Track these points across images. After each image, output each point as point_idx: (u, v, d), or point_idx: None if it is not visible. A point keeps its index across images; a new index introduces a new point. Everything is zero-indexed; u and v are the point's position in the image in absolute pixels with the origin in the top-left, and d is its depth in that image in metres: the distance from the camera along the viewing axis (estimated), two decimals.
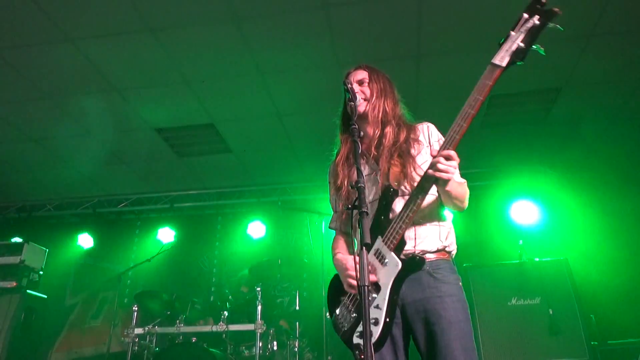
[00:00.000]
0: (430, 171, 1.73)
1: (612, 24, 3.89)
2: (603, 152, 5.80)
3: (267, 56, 4.22)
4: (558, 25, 1.71)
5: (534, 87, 4.69)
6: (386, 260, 1.80)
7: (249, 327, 4.43)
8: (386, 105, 2.10)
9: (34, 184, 6.55)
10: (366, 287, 1.44)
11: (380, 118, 2.08)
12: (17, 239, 5.68)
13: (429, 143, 2.08)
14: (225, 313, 4.52)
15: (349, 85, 1.98)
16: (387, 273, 1.79)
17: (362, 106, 2.08)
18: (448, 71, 4.41)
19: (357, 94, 2.02)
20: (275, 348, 4.73)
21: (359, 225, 1.60)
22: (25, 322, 5.14)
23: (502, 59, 1.74)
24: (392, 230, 1.81)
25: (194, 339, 4.42)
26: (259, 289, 4.50)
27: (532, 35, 1.72)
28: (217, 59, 4.23)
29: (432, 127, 2.15)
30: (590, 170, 5.93)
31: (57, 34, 3.87)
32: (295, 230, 6.59)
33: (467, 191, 1.97)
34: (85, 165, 6.09)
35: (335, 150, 2.24)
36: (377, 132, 2.07)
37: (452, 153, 1.72)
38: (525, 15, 1.74)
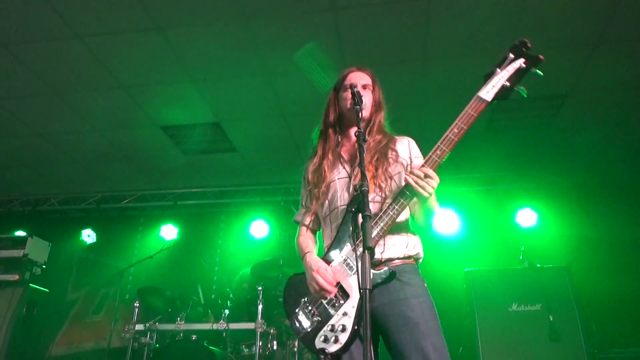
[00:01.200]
0: (412, 182, 1.77)
1: (620, 31, 3.89)
2: (607, 160, 5.79)
3: (274, 56, 4.24)
4: (540, 72, 1.81)
5: (540, 93, 4.68)
6: (354, 269, 1.83)
7: (250, 326, 4.44)
8: (381, 116, 2.17)
9: (38, 179, 6.59)
10: (367, 291, 1.45)
11: (376, 128, 2.13)
12: (20, 233, 5.71)
13: (410, 157, 2.12)
14: (226, 311, 4.52)
15: (357, 89, 1.99)
16: (356, 282, 1.81)
17: (364, 112, 2.09)
18: (454, 75, 4.42)
19: (363, 100, 2.02)
20: (275, 347, 4.73)
21: (355, 228, 1.63)
22: (27, 316, 5.17)
23: (487, 93, 1.83)
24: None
25: (194, 337, 4.43)
26: (260, 288, 4.50)
27: (517, 77, 1.81)
28: (224, 58, 4.25)
29: (412, 142, 2.19)
30: (593, 177, 5.92)
31: (65, 30, 3.89)
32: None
33: (435, 211, 2.01)
34: (90, 161, 6.12)
35: (314, 144, 2.26)
36: (369, 138, 2.10)
37: (431, 172, 1.78)
38: (511, 55, 1.83)
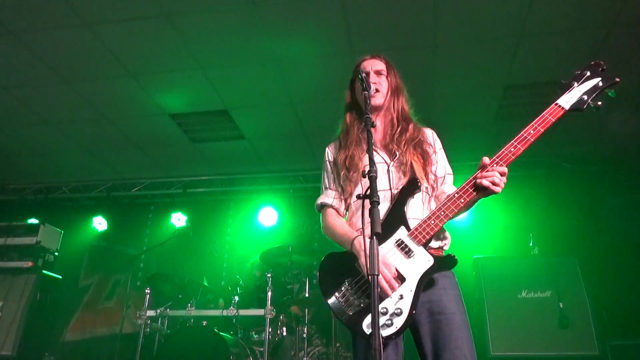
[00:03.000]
0: (486, 183, 1.79)
1: (635, 14, 3.80)
2: (620, 147, 5.70)
3: (282, 43, 4.21)
4: (613, 94, 1.98)
5: (552, 78, 4.61)
6: (414, 254, 1.84)
7: (259, 312, 4.47)
8: (403, 102, 2.16)
9: (50, 167, 6.65)
10: (376, 277, 1.45)
11: (397, 114, 2.12)
12: (33, 221, 5.78)
13: (434, 150, 2.14)
14: (236, 298, 4.56)
15: (363, 74, 1.97)
16: (414, 266, 1.82)
17: (378, 98, 2.09)
18: (463, 62, 4.36)
19: (371, 84, 2.00)
20: (284, 334, 4.77)
21: (370, 214, 1.60)
22: (40, 302, 5.25)
23: (566, 102, 1.93)
24: (425, 225, 1.84)
25: (204, 323, 4.48)
26: (269, 274, 4.53)
27: (594, 93, 1.94)
28: (232, 45, 4.23)
29: (435, 134, 2.22)
30: (606, 165, 5.84)
31: (74, 18, 3.89)
32: (307, 217, 6.62)
33: None
34: (100, 149, 6.17)
35: (338, 133, 2.24)
36: (395, 126, 2.10)
37: (506, 170, 1.83)
38: (588, 73, 1.98)
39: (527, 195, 5.85)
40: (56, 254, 5.76)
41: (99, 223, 6.95)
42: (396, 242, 1.87)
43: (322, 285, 1.94)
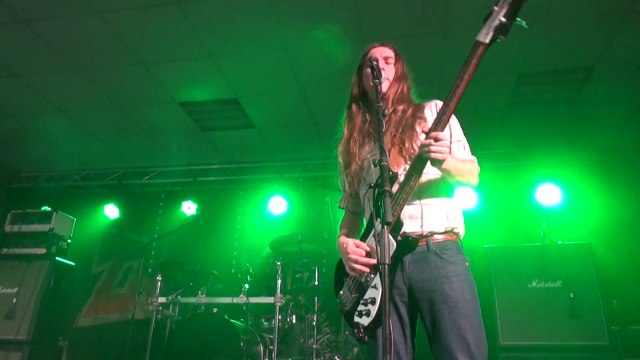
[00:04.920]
0: (422, 153, 1.74)
1: None
2: (633, 136, 5.62)
3: (293, 31, 4.18)
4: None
5: (566, 65, 4.54)
6: (382, 243, 1.82)
7: (269, 300, 4.52)
8: (403, 87, 2.11)
9: (61, 155, 6.72)
10: (386, 265, 1.45)
11: (396, 98, 2.07)
12: (46, 208, 5.85)
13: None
14: (246, 286, 4.60)
15: (375, 63, 1.95)
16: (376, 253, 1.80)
17: (384, 85, 2.05)
18: None
19: (381, 72, 1.98)
20: (294, 321, 4.82)
21: (374, 204, 1.62)
22: (54, 288, 5.33)
23: (485, 35, 1.73)
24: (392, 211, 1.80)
25: (215, 310, 4.53)
26: (279, 263, 4.56)
27: (514, 9, 1.69)
28: (243, 33, 4.21)
29: (440, 103, 2.09)
30: (618, 153, 5.76)
31: (85, 6, 3.89)
32: (316, 206, 6.64)
33: (474, 168, 1.97)
34: (110, 137, 6.21)
35: (342, 127, 2.22)
36: (389, 111, 2.06)
37: (441, 134, 1.73)
38: None
39: (540, 182, 5.80)
40: (69, 241, 5.84)
41: (111, 211, 7.02)
42: (373, 234, 1.88)
43: (334, 287, 2.07)
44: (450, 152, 1.81)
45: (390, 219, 1.46)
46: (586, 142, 5.81)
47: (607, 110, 5.22)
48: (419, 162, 1.79)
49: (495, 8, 1.73)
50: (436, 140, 1.71)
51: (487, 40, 1.72)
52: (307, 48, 4.37)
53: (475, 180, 1.97)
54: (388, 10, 3.92)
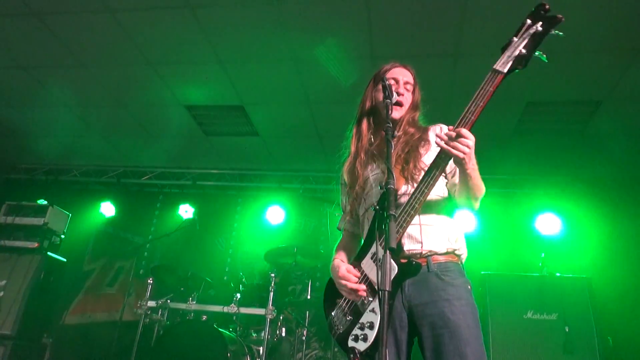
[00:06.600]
0: (443, 144, 1.67)
1: None
2: (636, 171, 5.60)
3: (304, 42, 4.18)
4: (560, 32, 1.68)
5: (574, 97, 4.54)
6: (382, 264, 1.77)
7: (260, 311, 4.45)
8: (417, 115, 2.10)
9: (62, 149, 6.68)
10: (386, 292, 1.41)
11: (406, 124, 2.05)
12: (42, 201, 5.79)
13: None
14: (238, 295, 4.54)
15: (390, 82, 1.93)
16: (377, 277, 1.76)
17: (399, 112, 2.03)
18: (485, 76, 4.29)
19: (394, 94, 1.95)
20: (283, 334, 4.74)
21: (378, 228, 1.57)
22: (43, 283, 5.25)
23: (503, 65, 1.73)
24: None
25: (204, 317, 4.46)
26: (273, 275, 4.50)
27: (535, 42, 1.70)
28: (253, 41, 4.20)
29: (445, 127, 2.04)
30: (620, 188, 5.73)
31: (97, 3, 3.89)
32: (314, 219, 6.58)
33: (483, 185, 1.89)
34: (113, 135, 6.18)
35: (347, 143, 2.18)
36: (398, 133, 2.02)
37: (467, 132, 1.67)
38: (529, 21, 1.72)
39: (540, 212, 5.76)
40: (62, 236, 5.77)
41: (107, 209, 6.95)
42: (372, 256, 1.84)
43: (324, 307, 2.02)
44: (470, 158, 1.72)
45: (394, 244, 1.42)
46: (589, 174, 5.78)
47: (612, 144, 5.20)
48: (437, 165, 1.72)
49: (515, 39, 1.73)
50: (458, 136, 1.66)
51: (505, 70, 1.72)
52: (317, 61, 4.36)
53: (480, 195, 1.88)
54: (401, 28, 3.92)
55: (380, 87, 2.04)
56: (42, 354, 5.45)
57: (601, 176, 5.73)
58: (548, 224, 5.70)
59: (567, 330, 4.20)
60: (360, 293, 1.80)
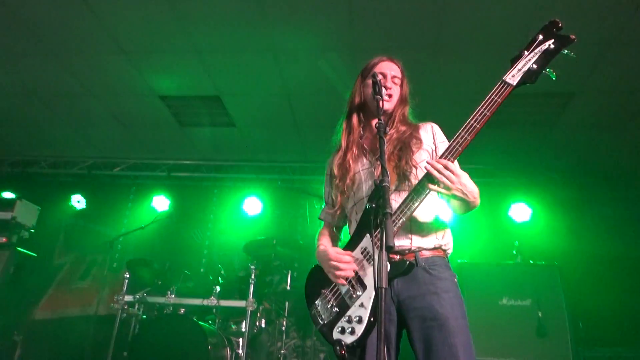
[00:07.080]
0: (435, 173, 1.68)
1: (638, 33, 3.82)
2: (605, 163, 5.79)
3: (283, 34, 4.12)
4: (572, 53, 1.74)
5: (548, 89, 4.63)
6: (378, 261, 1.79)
7: (240, 304, 4.43)
8: (406, 109, 2.12)
9: (29, 140, 6.44)
10: (383, 290, 1.42)
11: (397, 119, 2.07)
12: (9, 194, 5.58)
13: (434, 143, 2.06)
14: (218, 288, 4.50)
15: (379, 78, 1.93)
16: (373, 273, 1.76)
17: (388, 105, 2.05)
18: (464, 70, 4.35)
19: (384, 89, 1.96)
20: (262, 325, 4.75)
21: (373, 225, 1.57)
22: (13, 279, 5.10)
23: (513, 77, 1.76)
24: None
25: (182, 310, 4.41)
26: (253, 266, 4.48)
27: (546, 59, 1.74)
28: (231, 31, 4.12)
29: (436, 127, 2.13)
30: (590, 178, 5.93)
31: None
32: (291, 209, 6.56)
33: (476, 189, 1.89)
34: (83, 125, 5.98)
35: (338, 137, 2.18)
36: (390, 130, 2.05)
37: (455, 168, 1.71)
38: (540, 37, 1.76)
39: (513, 202, 5.91)
40: (32, 230, 5.59)
41: (78, 201, 6.76)
42: (362, 250, 1.86)
43: (306, 297, 2.02)
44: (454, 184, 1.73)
45: (392, 243, 1.42)
46: (560, 165, 5.95)
47: (583, 136, 5.36)
48: (423, 187, 1.74)
49: (525, 52, 1.76)
50: (446, 168, 1.68)
51: (515, 83, 1.75)
52: (297, 52, 4.32)
53: (477, 200, 1.87)
54: (382, 20, 3.91)
55: (368, 82, 2.05)
56: (12, 351, 5.30)
57: (572, 165, 5.91)
58: (520, 212, 5.85)
59: (540, 315, 4.35)
60: (343, 274, 1.81)
